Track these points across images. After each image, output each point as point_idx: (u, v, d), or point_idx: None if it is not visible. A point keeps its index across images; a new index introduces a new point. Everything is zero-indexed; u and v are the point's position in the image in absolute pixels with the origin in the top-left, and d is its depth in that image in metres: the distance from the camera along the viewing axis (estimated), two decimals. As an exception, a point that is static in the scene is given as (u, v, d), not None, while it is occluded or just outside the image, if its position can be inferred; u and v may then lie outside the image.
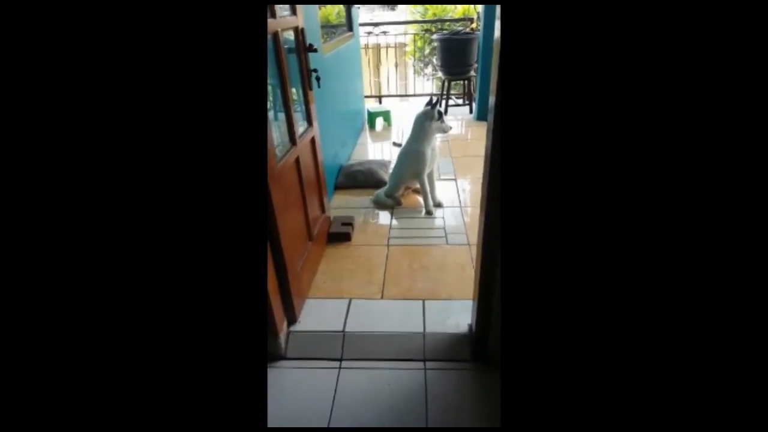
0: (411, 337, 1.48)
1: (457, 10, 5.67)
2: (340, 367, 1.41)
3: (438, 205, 2.42)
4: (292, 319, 1.56)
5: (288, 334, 1.51)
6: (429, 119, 2.27)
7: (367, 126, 4.05)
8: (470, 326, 1.49)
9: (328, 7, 3.97)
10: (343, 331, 1.52)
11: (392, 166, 2.60)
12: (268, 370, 1.41)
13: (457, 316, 1.56)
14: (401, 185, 2.47)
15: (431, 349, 1.44)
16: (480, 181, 2.72)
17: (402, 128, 3.96)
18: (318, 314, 1.61)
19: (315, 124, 1.89)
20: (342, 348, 1.47)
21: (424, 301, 1.66)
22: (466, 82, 4.32)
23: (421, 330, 1.51)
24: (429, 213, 2.34)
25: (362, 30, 4.53)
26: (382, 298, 1.69)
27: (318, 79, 1.81)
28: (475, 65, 4.05)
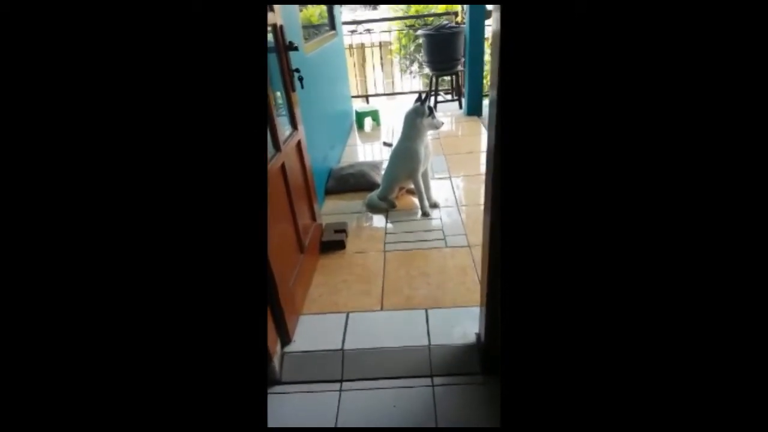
0: (415, 351, 1.38)
1: (440, 6, 5.58)
2: (341, 389, 1.30)
3: (434, 205, 2.32)
4: (285, 340, 1.44)
5: (282, 356, 1.40)
6: (419, 116, 2.17)
7: (355, 127, 3.94)
8: (478, 335, 1.39)
9: (310, 8, 3.85)
10: (342, 348, 1.41)
11: (384, 167, 2.50)
12: (263, 396, 1.30)
13: (463, 324, 1.46)
14: (395, 187, 2.36)
15: (438, 363, 1.33)
16: (475, 178, 2.65)
17: (391, 127, 3.86)
18: (314, 332, 1.50)
19: (300, 127, 1.77)
20: (342, 367, 1.36)
21: (426, 310, 1.55)
22: (453, 76, 4.22)
23: (426, 342, 1.40)
24: (425, 214, 2.24)
25: (346, 29, 4.41)
26: (381, 309, 1.59)
27: (301, 79, 1.69)
28: (462, 59, 3.95)
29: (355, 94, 4.85)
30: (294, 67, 1.67)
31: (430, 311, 1.54)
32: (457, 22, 4.34)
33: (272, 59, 1.59)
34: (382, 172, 2.57)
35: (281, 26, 1.56)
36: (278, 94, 1.64)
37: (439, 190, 2.50)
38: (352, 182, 2.60)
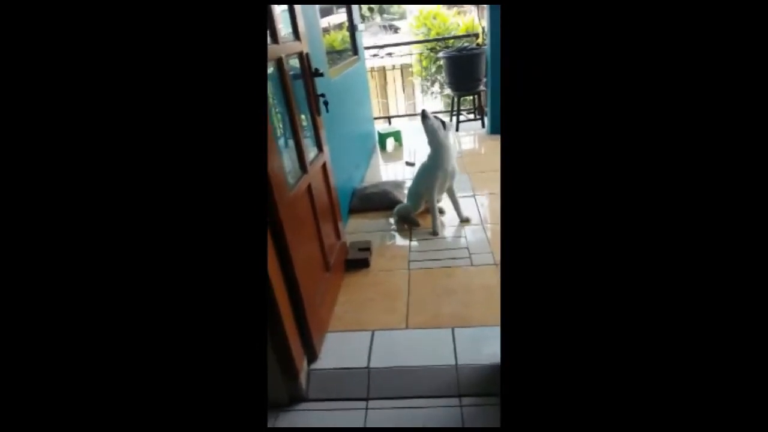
0: (442, 371, 1.36)
1: (461, 27, 5.69)
2: (366, 408, 1.29)
3: (465, 220, 2.33)
4: (312, 357, 1.46)
5: (309, 373, 1.41)
6: (435, 131, 2.21)
7: (378, 147, 4.01)
8: (506, 355, 1.36)
9: (333, 33, 4.02)
10: (367, 367, 1.41)
11: (407, 185, 2.53)
12: (290, 413, 1.30)
13: (491, 344, 1.43)
14: (421, 201, 2.38)
15: (466, 384, 1.31)
16: (499, 196, 2.63)
17: (413, 147, 3.91)
18: (340, 349, 1.51)
19: (325, 149, 1.83)
20: (368, 386, 1.35)
21: (453, 329, 1.53)
22: (476, 96, 4.26)
23: (453, 362, 1.38)
24: (434, 233, 2.25)
25: (367, 53, 4.55)
26: (407, 327, 1.58)
27: (326, 103, 1.76)
28: (484, 79, 3.99)
29: (377, 115, 4.96)
30: (320, 92, 1.73)
31: (456, 330, 1.53)
32: (478, 44, 4.41)
33: (299, 85, 1.67)
34: (405, 191, 2.60)
35: (307, 54, 1.64)
36: (303, 117, 1.70)
37: (464, 208, 2.49)
38: (376, 201, 2.64)
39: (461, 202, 2.55)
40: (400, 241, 2.26)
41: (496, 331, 1.49)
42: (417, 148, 3.89)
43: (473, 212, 2.46)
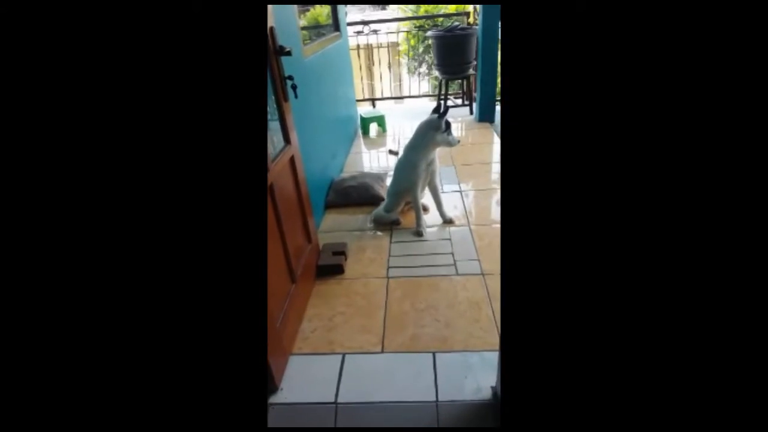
0: (421, 409, 1.17)
1: (450, 6, 5.38)
2: (332, 453, 1.11)
3: (449, 221, 2.13)
4: (271, 388, 1.26)
5: (266, 408, 1.21)
6: (433, 130, 1.97)
7: (360, 133, 3.76)
8: (494, 390, 1.18)
9: (317, 8, 3.68)
10: (335, 402, 1.22)
11: (391, 174, 2.31)
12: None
13: (476, 374, 1.26)
14: (400, 201, 2.17)
15: (448, 426, 1.13)
16: (487, 192, 2.44)
17: (398, 133, 3.67)
18: (304, 378, 1.31)
19: (294, 140, 1.59)
20: (335, 425, 1.16)
21: (434, 353, 1.35)
22: (464, 80, 4.01)
23: (433, 397, 1.20)
24: (418, 234, 2.05)
25: (352, 30, 4.22)
26: (382, 351, 1.39)
27: (294, 87, 1.51)
28: (474, 62, 3.75)
29: (361, 97, 4.67)
30: (287, 74, 1.48)
31: (437, 355, 1.34)
32: (469, 23, 4.14)
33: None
34: (387, 184, 2.38)
35: (272, 28, 1.37)
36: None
37: (449, 204, 2.30)
38: (354, 196, 2.41)
39: (446, 198, 2.35)
40: (379, 242, 2.05)
41: (481, 358, 1.31)
42: (402, 134, 3.66)
43: (459, 209, 2.27)
